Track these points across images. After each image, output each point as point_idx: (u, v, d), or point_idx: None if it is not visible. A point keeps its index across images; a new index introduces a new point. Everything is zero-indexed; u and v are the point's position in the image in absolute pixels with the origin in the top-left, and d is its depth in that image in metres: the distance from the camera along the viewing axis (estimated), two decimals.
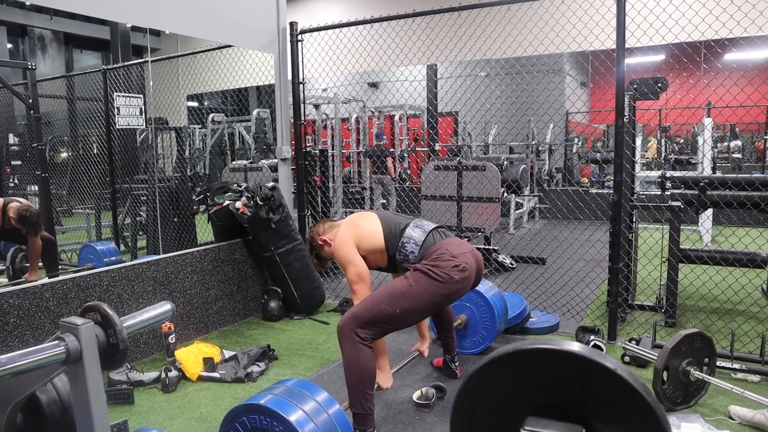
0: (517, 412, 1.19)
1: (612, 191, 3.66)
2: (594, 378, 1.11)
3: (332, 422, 2.02)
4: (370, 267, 2.70)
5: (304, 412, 1.97)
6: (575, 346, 1.16)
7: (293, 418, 1.92)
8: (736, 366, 3.16)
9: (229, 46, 5.37)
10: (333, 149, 7.89)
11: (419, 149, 10.93)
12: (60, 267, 5.11)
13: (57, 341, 1.45)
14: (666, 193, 4.16)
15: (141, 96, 5.19)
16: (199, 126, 12.44)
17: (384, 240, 2.67)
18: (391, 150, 9.66)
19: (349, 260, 2.64)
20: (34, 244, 4.46)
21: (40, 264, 4.75)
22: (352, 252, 2.64)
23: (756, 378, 3.09)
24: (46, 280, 3.36)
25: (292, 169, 5.13)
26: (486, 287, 3.48)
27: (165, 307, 1.78)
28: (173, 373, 3.19)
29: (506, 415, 1.22)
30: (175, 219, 5.86)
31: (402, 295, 2.44)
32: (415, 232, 2.65)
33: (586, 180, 12.72)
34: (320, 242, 2.83)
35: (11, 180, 8.61)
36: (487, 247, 5.88)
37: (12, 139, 8.77)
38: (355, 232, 2.69)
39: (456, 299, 2.67)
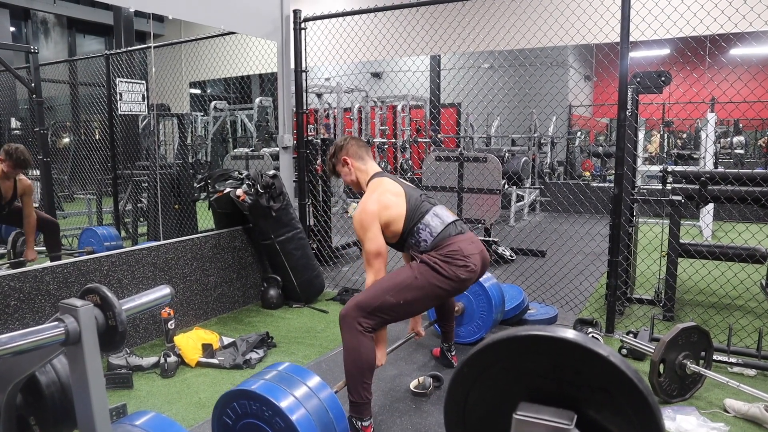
0: (510, 398, 1.20)
1: (613, 185, 3.66)
2: (588, 365, 1.12)
3: (323, 407, 2.02)
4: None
5: (294, 397, 1.97)
6: (570, 333, 1.17)
7: (283, 403, 1.92)
8: (733, 360, 3.17)
9: (232, 33, 5.35)
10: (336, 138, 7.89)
11: (421, 140, 10.92)
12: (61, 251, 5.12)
13: (56, 322, 1.45)
14: (667, 187, 4.15)
15: (143, 82, 5.17)
16: (202, 113, 12.43)
17: (403, 225, 2.62)
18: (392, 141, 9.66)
19: (369, 237, 2.55)
20: (29, 217, 4.44)
21: (44, 247, 4.76)
22: (375, 228, 2.56)
23: (752, 372, 3.11)
24: (47, 263, 3.37)
25: (294, 157, 5.13)
26: (485, 277, 3.49)
27: (164, 291, 1.78)
28: (172, 359, 3.21)
29: (499, 400, 1.23)
30: (176, 206, 5.86)
31: (407, 287, 2.45)
32: (434, 221, 2.61)
33: (588, 174, 12.69)
34: (343, 160, 2.78)
35: None
36: (487, 238, 5.88)
37: (14, 123, 8.76)
38: (383, 214, 2.59)
39: (458, 294, 2.71)
